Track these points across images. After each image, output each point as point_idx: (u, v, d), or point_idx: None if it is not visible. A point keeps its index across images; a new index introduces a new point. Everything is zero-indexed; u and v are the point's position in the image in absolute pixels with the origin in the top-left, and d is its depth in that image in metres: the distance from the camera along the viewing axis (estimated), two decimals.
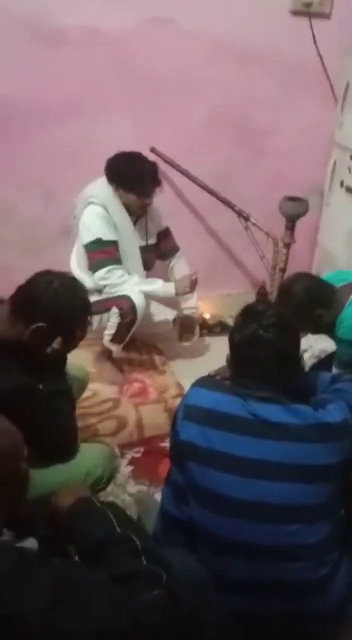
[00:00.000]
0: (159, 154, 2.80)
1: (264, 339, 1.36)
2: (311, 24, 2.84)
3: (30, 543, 1.04)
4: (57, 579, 0.90)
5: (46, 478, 1.51)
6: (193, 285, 2.54)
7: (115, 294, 2.34)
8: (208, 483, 1.33)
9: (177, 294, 2.48)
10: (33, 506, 1.28)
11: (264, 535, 1.29)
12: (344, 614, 1.34)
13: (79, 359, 2.38)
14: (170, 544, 1.42)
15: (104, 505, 1.17)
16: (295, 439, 1.30)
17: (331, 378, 1.58)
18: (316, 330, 2.16)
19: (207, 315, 3.01)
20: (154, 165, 2.35)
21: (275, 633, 1.31)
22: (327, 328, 2.06)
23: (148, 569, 0.99)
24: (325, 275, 2.22)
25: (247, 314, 1.44)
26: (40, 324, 1.47)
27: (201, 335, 2.83)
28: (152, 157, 2.73)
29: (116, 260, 2.34)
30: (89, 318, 1.63)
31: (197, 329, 2.77)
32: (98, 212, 2.33)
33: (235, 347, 1.41)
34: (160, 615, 0.92)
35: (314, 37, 2.86)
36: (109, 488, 1.91)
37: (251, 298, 3.14)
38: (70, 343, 1.60)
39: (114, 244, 2.35)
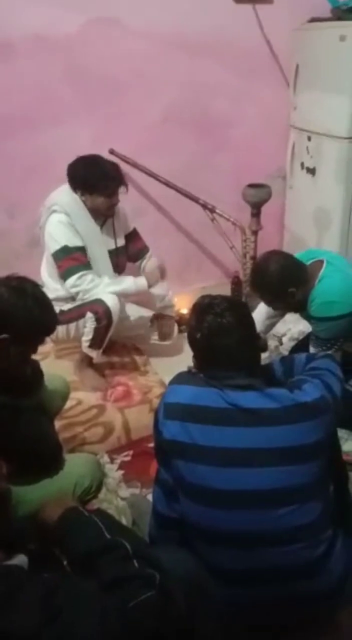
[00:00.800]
0: (118, 155, 2.79)
1: (224, 325, 1.38)
2: (255, 10, 2.85)
3: (20, 560, 1.03)
4: (48, 594, 0.90)
5: (35, 494, 1.51)
6: (163, 274, 2.55)
7: (89, 299, 2.32)
8: (195, 478, 1.33)
9: (149, 286, 2.47)
10: (23, 523, 1.27)
11: (257, 523, 1.30)
12: (343, 592, 1.34)
13: (60, 369, 2.39)
14: (165, 543, 1.42)
15: (92, 513, 1.17)
16: (275, 422, 1.30)
17: (306, 358, 1.59)
18: (289, 308, 2.17)
19: (184, 311, 3.01)
20: (114, 164, 2.35)
21: (276, 621, 1.31)
22: (300, 306, 2.07)
23: (140, 572, 0.99)
24: (295, 255, 2.23)
25: (199, 309, 1.45)
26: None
27: (180, 331, 2.83)
28: (112, 159, 2.73)
29: (85, 265, 2.33)
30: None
31: (176, 326, 2.77)
32: (61, 219, 2.31)
33: (198, 343, 1.42)
34: (156, 616, 0.92)
35: (259, 23, 2.88)
36: (102, 495, 1.91)
37: (226, 289, 3.16)
38: (26, 344, 1.54)
39: (81, 249, 2.33)
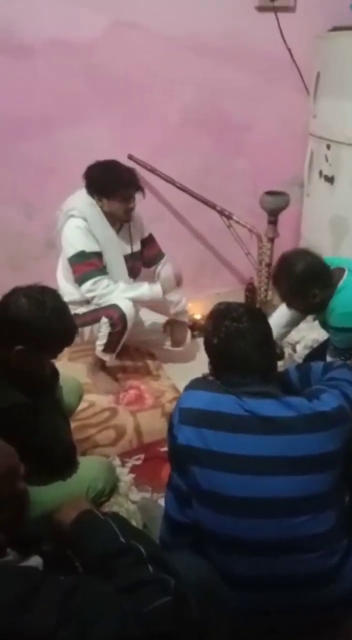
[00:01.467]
0: (137, 161, 2.80)
1: (242, 330, 1.38)
2: (277, 18, 2.85)
3: (35, 561, 1.03)
4: (64, 596, 0.89)
5: (49, 495, 1.51)
6: (179, 281, 2.55)
7: (104, 304, 2.33)
8: (210, 485, 1.32)
9: (164, 292, 2.46)
10: (37, 524, 1.27)
11: (272, 531, 1.29)
12: None
13: (73, 371, 2.40)
14: (177, 548, 1.41)
15: (107, 516, 1.17)
16: (292, 431, 1.30)
17: (323, 367, 1.58)
18: (306, 309, 2.13)
19: (197, 316, 3.01)
20: (131, 170, 2.35)
21: (289, 627, 1.30)
22: (316, 309, 2.05)
23: (155, 576, 0.99)
24: None
25: (216, 315, 1.45)
26: (19, 347, 1.45)
27: (193, 337, 2.82)
28: (130, 164, 2.74)
29: (101, 271, 2.34)
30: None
31: (189, 332, 2.76)
32: (78, 224, 2.32)
33: (215, 349, 1.42)
34: (172, 622, 0.91)
35: (281, 31, 2.88)
36: (112, 498, 1.91)
37: (240, 295, 3.16)
38: (50, 354, 1.57)
39: (97, 255, 2.34)
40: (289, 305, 2.17)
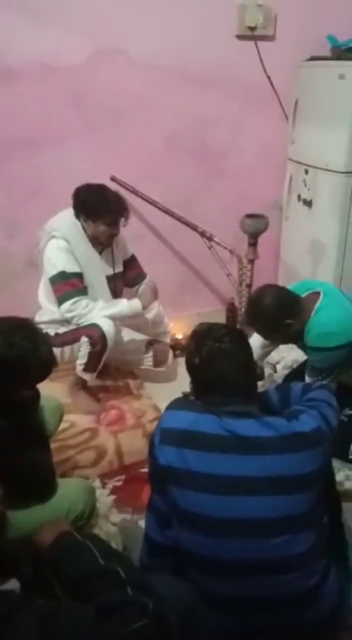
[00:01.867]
0: (119, 182, 2.83)
1: (223, 350, 1.40)
2: (257, 47, 2.93)
3: (13, 584, 1.02)
4: (41, 620, 0.89)
5: (28, 518, 1.49)
6: (155, 293, 2.57)
7: (84, 324, 2.33)
8: (190, 505, 1.32)
9: (143, 307, 2.48)
10: (16, 547, 1.26)
11: (252, 551, 1.29)
12: (336, 622, 1.34)
13: (54, 391, 2.37)
14: (157, 570, 1.41)
15: (86, 538, 1.16)
16: (271, 451, 1.31)
17: (302, 388, 1.60)
18: (286, 340, 2.20)
19: (179, 336, 3.02)
20: (119, 196, 2.38)
21: None
22: (296, 337, 2.09)
23: (134, 598, 0.98)
24: (289, 286, 2.26)
25: (198, 335, 1.47)
26: None
27: (175, 356, 2.83)
28: (112, 185, 2.77)
29: (81, 291, 2.35)
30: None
31: (171, 352, 2.77)
32: (60, 245, 2.34)
33: (197, 369, 1.43)
34: None
35: (261, 59, 2.95)
36: (93, 519, 1.89)
37: (221, 315, 3.19)
38: (25, 387, 1.54)
39: (78, 275, 2.35)
40: (270, 339, 2.23)
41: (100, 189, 2.35)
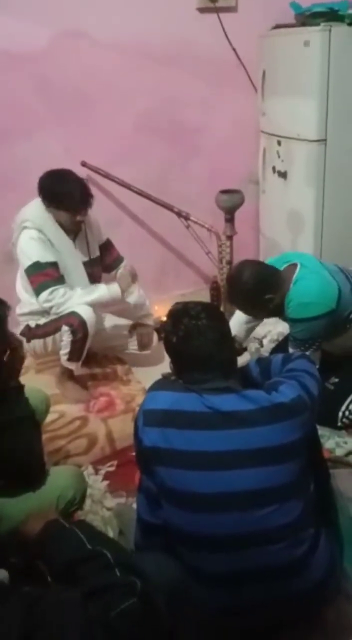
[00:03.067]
0: (90, 167, 2.80)
1: (200, 327, 1.40)
2: (219, 19, 2.89)
3: (1, 574, 1.02)
4: (28, 607, 0.89)
5: (19, 507, 1.50)
6: (134, 277, 2.55)
7: (63, 313, 2.32)
8: (176, 483, 1.33)
9: (122, 291, 2.46)
10: (5, 537, 1.27)
11: (240, 524, 1.30)
12: (327, 588, 1.36)
13: (41, 383, 2.38)
14: (150, 550, 1.42)
15: (73, 524, 1.17)
16: (252, 424, 1.31)
17: (282, 359, 1.60)
18: (269, 314, 2.20)
19: (164, 318, 3.01)
20: (81, 182, 2.34)
21: (262, 619, 1.32)
22: (278, 310, 2.09)
23: (122, 580, 0.99)
24: (269, 259, 2.26)
25: (173, 314, 1.47)
26: None
27: (160, 339, 2.83)
28: (84, 170, 2.74)
29: (57, 280, 2.33)
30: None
31: (155, 334, 2.77)
32: (32, 235, 2.32)
33: (175, 347, 1.43)
34: (138, 623, 0.92)
35: (224, 31, 2.91)
36: (87, 506, 1.91)
37: (205, 294, 3.18)
38: None
39: (53, 265, 2.34)
40: (253, 315, 2.23)
41: (61, 175, 2.32)
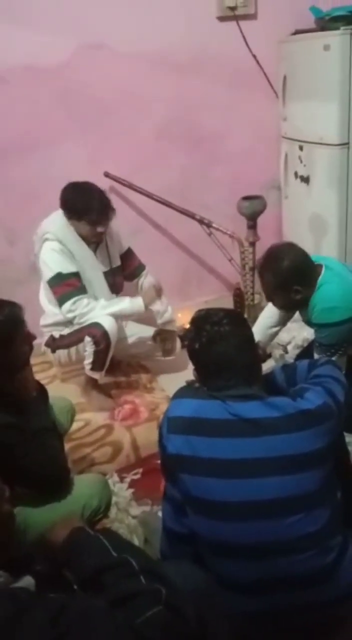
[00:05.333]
0: (113, 177, 2.83)
1: (223, 333, 1.39)
2: (239, 26, 2.90)
3: (27, 582, 1.03)
4: (55, 615, 0.89)
5: (44, 516, 1.51)
6: (159, 292, 2.56)
7: (86, 323, 2.34)
8: (201, 492, 1.32)
9: (146, 305, 2.47)
10: (31, 545, 1.27)
11: (266, 533, 1.29)
12: None
13: (66, 392, 2.41)
14: (176, 559, 1.41)
15: (98, 532, 1.17)
16: (278, 431, 1.30)
17: (308, 366, 1.58)
18: (285, 304, 2.12)
19: (187, 325, 3.01)
20: (102, 194, 2.36)
21: (289, 627, 1.30)
22: (297, 305, 2.06)
23: (147, 587, 0.99)
24: None
25: (196, 321, 1.47)
26: None
27: (183, 346, 2.82)
28: (106, 181, 2.77)
29: (80, 290, 2.35)
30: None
31: (178, 341, 2.77)
32: (53, 247, 2.34)
33: (198, 354, 1.43)
34: (163, 631, 0.91)
35: (244, 38, 2.92)
36: (113, 514, 1.91)
37: (229, 301, 3.17)
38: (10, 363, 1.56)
39: (75, 275, 2.36)
40: (270, 299, 2.17)
41: (82, 188, 2.34)
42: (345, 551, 1.33)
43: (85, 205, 2.30)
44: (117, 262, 2.57)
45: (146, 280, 2.66)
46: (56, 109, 2.74)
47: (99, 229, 2.35)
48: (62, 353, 2.45)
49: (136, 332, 2.66)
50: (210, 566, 1.33)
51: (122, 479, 2.13)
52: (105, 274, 2.50)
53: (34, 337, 1.64)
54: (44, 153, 2.75)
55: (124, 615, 0.92)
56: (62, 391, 2.44)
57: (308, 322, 2.14)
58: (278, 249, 2.04)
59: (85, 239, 2.40)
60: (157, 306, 2.59)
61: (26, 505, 1.51)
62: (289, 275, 1.96)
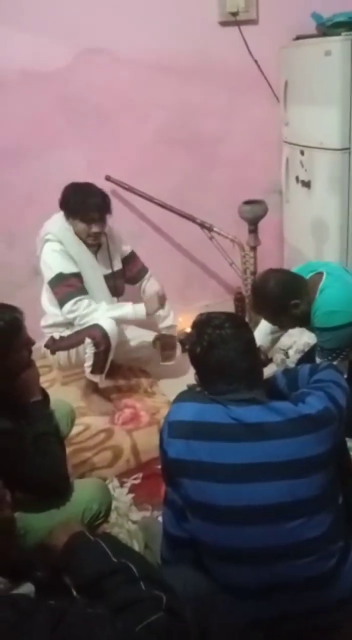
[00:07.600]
0: (114, 181, 2.83)
1: (224, 336, 1.39)
2: (241, 32, 2.90)
3: (27, 588, 1.02)
4: (55, 622, 0.88)
5: (44, 521, 1.49)
6: (162, 301, 2.55)
7: (86, 325, 2.33)
8: (202, 496, 1.31)
9: (148, 314, 2.47)
10: (31, 551, 1.26)
11: (267, 538, 1.28)
12: None
13: (66, 395, 2.39)
14: (177, 564, 1.40)
15: (98, 537, 1.16)
16: (279, 436, 1.29)
17: (309, 370, 1.58)
18: (295, 323, 2.15)
19: (188, 330, 3.00)
20: (101, 194, 2.35)
21: (291, 631, 1.29)
22: (304, 319, 2.06)
23: (147, 594, 0.98)
24: (293, 269, 2.23)
25: (197, 325, 1.47)
26: None
27: (184, 350, 2.82)
28: (108, 184, 2.77)
29: (81, 291, 2.35)
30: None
31: (178, 346, 2.76)
32: (55, 247, 2.34)
33: (199, 358, 1.42)
34: (164, 637, 0.90)
35: (246, 43, 2.92)
36: (113, 519, 1.90)
37: (229, 305, 3.17)
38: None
39: (76, 275, 2.35)
40: (279, 325, 2.20)
41: (81, 187, 2.34)
42: (347, 556, 1.32)
43: (81, 203, 2.30)
44: (119, 266, 2.57)
45: (150, 285, 2.65)
46: (57, 114, 2.74)
47: (94, 229, 2.34)
48: (61, 355, 2.44)
49: (136, 336, 2.66)
50: (211, 571, 1.32)
51: (122, 484, 2.13)
52: (106, 277, 2.49)
53: (33, 343, 1.63)
54: (45, 157, 2.76)
55: (125, 622, 0.91)
56: (62, 395, 2.42)
57: (311, 327, 2.14)
58: (259, 279, 2.11)
59: (82, 239, 2.39)
60: (159, 311, 2.59)
61: (26, 510, 1.50)
62: (280, 294, 1.98)
